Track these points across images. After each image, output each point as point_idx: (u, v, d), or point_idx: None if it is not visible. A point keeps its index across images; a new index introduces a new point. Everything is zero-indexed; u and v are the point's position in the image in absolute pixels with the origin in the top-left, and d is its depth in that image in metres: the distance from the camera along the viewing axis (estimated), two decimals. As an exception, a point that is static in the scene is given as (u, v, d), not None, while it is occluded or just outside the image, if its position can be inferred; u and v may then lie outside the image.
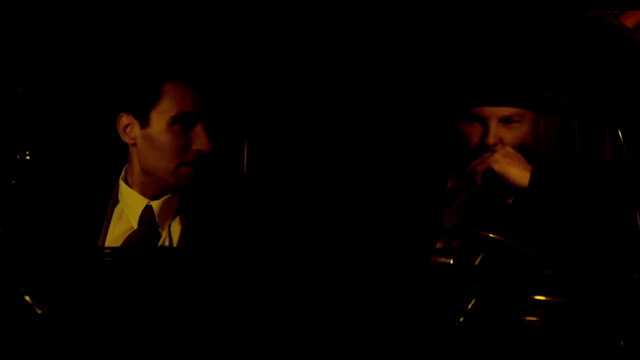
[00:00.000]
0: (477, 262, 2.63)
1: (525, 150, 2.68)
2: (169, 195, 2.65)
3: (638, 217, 2.23)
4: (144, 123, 2.62)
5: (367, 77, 2.78)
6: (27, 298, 2.08)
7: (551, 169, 2.68)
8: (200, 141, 2.59)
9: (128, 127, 2.65)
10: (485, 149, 2.66)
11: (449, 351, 2.03)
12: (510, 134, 2.68)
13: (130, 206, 2.66)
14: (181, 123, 2.58)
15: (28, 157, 2.81)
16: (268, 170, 2.75)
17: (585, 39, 2.37)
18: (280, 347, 2.01)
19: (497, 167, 2.59)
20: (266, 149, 2.75)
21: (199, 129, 2.59)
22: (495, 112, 2.67)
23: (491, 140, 2.66)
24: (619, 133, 2.30)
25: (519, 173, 2.58)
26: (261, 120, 2.76)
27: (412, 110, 2.98)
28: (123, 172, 2.69)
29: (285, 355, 2.00)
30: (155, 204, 2.64)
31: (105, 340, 2.02)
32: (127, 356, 2.01)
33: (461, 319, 2.06)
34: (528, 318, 2.09)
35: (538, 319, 2.09)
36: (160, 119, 2.60)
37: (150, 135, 2.62)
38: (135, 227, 2.64)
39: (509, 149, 2.63)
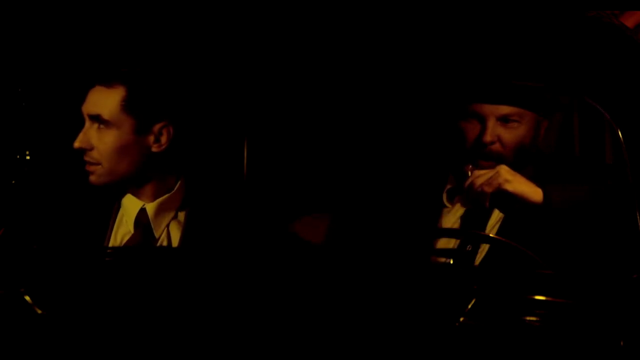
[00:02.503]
0: (477, 262, 2.63)
1: (523, 150, 2.68)
2: (164, 197, 2.64)
3: (638, 217, 2.22)
4: None
5: (367, 77, 2.78)
6: (27, 298, 2.08)
7: (553, 171, 2.69)
8: None
9: None
10: (482, 146, 2.67)
11: (449, 351, 2.04)
12: (508, 134, 2.68)
13: (127, 209, 2.65)
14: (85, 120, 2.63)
15: (28, 157, 2.81)
16: (268, 171, 2.75)
17: (585, 39, 2.37)
18: (280, 346, 2.01)
19: (510, 187, 2.54)
20: (266, 148, 2.75)
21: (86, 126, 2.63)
22: (494, 110, 2.68)
23: (488, 138, 2.67)
24: (619, 133, 2.30)
25: (531, 190, 2.54)
26: (261, 120, 2.76)
27: (413, 110, 2.98)
28: None
29: (285, 355, 2.00)
30: (150, 207, 2.63)
31: (105, 340, 2.02)
32: (127, 356, 2.01)
33: (461, 319, 2.06)
34: (528, 318, 2.09)
35: (538, 319, 2.09)
36: None
37: None
38: (132, 230, 2.63)
39: (506, 167, 2.59)
